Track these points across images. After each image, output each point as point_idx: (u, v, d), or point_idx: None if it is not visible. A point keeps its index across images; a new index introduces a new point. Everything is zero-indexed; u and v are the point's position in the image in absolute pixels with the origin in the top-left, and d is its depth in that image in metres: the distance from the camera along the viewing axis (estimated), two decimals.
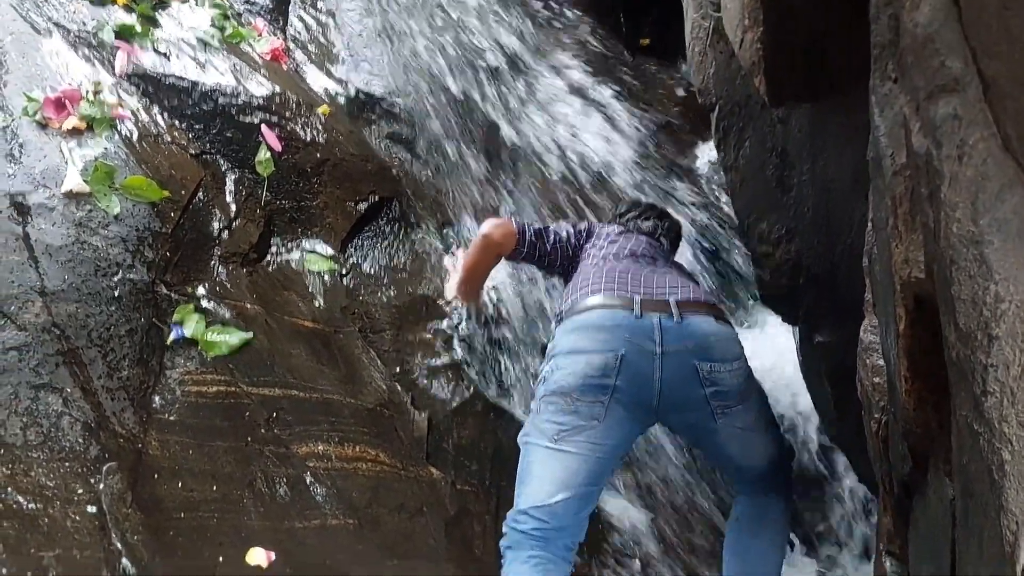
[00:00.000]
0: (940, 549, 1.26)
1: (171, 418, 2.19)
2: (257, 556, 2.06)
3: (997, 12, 0.86)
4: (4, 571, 1.84)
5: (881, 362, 1.53)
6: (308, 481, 2.24)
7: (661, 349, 2.11)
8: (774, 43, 1.63)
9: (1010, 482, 0.95)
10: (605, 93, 3.94)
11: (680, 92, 4.17)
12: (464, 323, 2.83)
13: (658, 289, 2.24)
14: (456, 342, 2.81)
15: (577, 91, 3.91)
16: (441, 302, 2.91)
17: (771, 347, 2.98)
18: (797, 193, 2.05)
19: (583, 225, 2.68)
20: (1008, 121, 0.90)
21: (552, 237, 2.58)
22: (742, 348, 2.25)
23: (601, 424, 2.09)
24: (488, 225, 2.58)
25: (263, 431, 2.27)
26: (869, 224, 1.51)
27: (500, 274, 2.95)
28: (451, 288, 2.83)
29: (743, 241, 2.57)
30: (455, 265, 2.90)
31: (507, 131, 3.58)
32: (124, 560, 1.95)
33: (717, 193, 3.66)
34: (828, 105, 1.84)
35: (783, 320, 2.49)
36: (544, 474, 2.09)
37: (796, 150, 2.01)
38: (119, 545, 1.95)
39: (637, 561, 2.60)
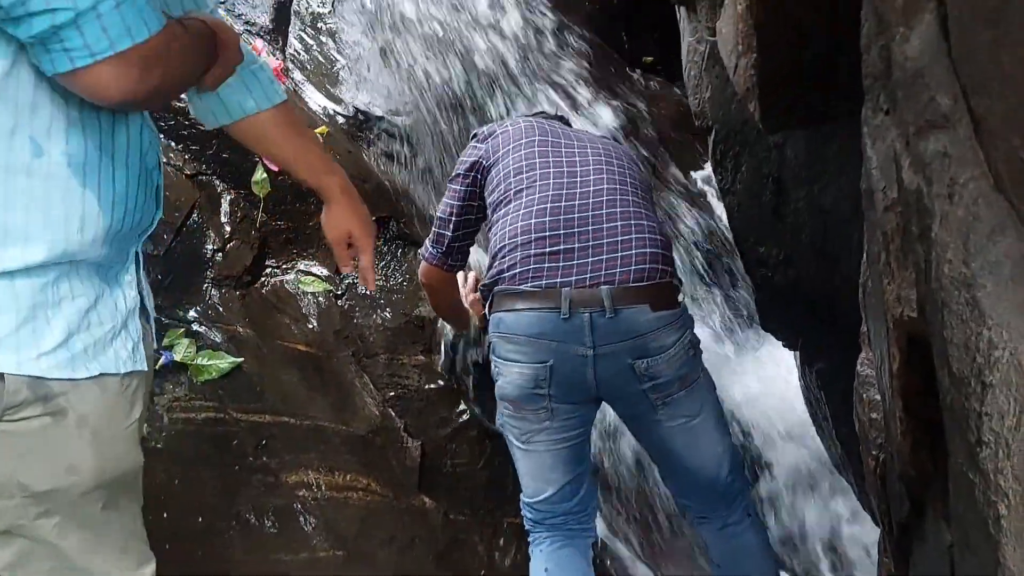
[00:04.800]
0: None
1: (157, 446, 2.16)
2: None
3: (988, 49, 0.82)
4: None
5: (878, 397, 1.48)
6: (296, 511, 2.21)
7: (592, 352, 1.97)
8: (768, 70, 1.59)
9: (1007, 538, 0.91)
10: (606, 110, 3.91)
11: (682, 109, 4.14)
12: (458, 347, 2.79)
13: (593, 268, 2.00)
14: (450, 366, 2.77)
15: (579, 108, 3.88)
16: (438, 325, 2.88)
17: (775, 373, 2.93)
18: (793, 220, 2.01)
19: (471, 157, 2.30)
20: (999, 160, 0.86)
21: (454, 223, 2.32)
22: (683, 325, 2.03)
23: (553, 423, 2.06)
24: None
25: (251, 459, 2.24)
26: (864, 256, 1.46)
27: None
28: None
29: (742, 264, 2.53)
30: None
31: None
32: None
33: (720, 213, 3.62)
34: (825, 131, 1.80)
35: (784, 345, 2.45)
36: (527, 471, 2.14)
37: (792, 176, 1.97)
38: None
39: None
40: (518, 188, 2.15)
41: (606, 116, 3.88)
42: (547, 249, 2.03)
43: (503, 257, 2.08)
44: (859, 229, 1.76)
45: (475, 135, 2.38)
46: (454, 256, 2.38)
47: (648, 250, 2.02)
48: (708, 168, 3.79)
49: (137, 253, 1.35)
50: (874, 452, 1.51)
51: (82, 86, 1.12)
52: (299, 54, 3.64)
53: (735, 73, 1.70)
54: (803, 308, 2.13)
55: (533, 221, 2.07)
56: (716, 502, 2.14)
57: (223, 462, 2.21)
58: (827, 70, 1.57)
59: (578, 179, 2.12)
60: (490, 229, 2.21)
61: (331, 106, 3.45)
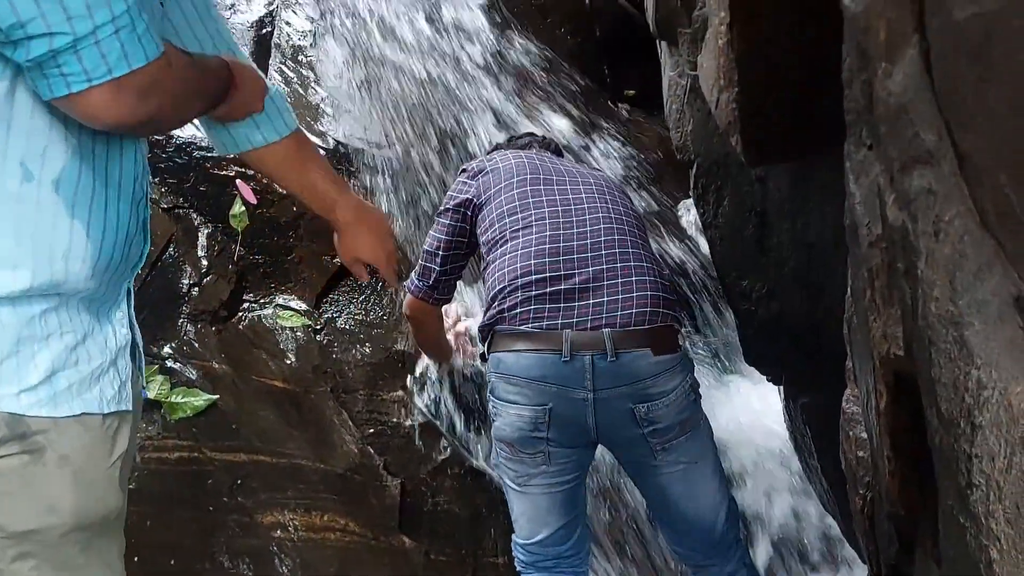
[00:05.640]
0: None
1: (130, 486, 2.09)
2: None
3: (973, 84, 0.80)
4: None
5: (864, 435, 1.46)
6: (273, 552, 2.15)
7: (593, 395, 1.95)
8: (750, 104, 1.58)
9: None
10: (589, 143, 3.92)
11: (664, 141, 4.15)
12: (439, 383, 2.75)
13: (594, 311, 1.98)
14: (431, 401, 2.73)
15: (561, 142, 3.88)
16: (420, 361, 2.84)
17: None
18: (777, 254, 2.00)
19: (462, 194, 2.28)
20: (985, 197, 0.84)
21: (441, 257, 2.30)
22: (684, 369, 2.03)
23: (550, 467, 2.04)
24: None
25: (226, 499, 2.19)
26: (848, 291, 1.45)
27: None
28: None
29: (725, 298, 2.52)
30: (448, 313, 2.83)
31: None
32: None
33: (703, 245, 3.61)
34: (807, 164, 1.79)
35: (768, 380, 2.43)
36: (522, 513, 2.12)
37: (775, 210, 1.96)
38: None
39: None
40: (514, 228, 2.13)
41: (589, 149, 3.88)
42: (548, 290, 2.02)
43: (504, 298, 2.06)
44: (844, 262, 1.75)
45: (464, 170, 2.36)
46: (440, 290, 2.36)
47: (649, 292, 2.01)
48: (691, 201, 3.79)
49: (129, 289, 1.33)
50: (861, 491, 1.48)
51: (78, 110, 1.12)
52: (279, 87, 3.62)
53: (717, 107, 1.70)
54: (787, 341, 2.11)
55: (533, 262, 2.05)
56: (711, 552, 2.12)
57: (197, 503, 2.16)
58: (809, 103, 1.57)
59: (574, 218, 2.11)
60: (486, 268, 2.18)
61: (312, 139, 3.42)
